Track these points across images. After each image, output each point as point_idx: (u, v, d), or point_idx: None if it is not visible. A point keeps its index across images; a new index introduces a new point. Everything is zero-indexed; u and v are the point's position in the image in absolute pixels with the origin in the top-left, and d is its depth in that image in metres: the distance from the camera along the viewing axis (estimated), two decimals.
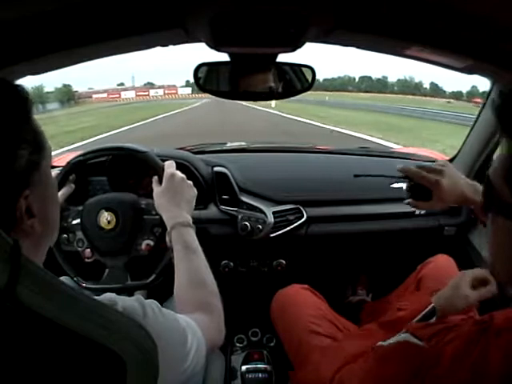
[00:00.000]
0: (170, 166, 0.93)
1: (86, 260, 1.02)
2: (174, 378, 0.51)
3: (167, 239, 0.84)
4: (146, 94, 45.31)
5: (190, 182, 0.93)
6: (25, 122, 0.44)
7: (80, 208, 1.04)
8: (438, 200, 0.83)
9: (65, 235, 1.03)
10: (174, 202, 0.87)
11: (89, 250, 1.02)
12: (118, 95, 42.25)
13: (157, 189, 0.91)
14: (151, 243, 1.01)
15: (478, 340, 0.47)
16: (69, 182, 1.04)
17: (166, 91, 46.55)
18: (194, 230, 0.84)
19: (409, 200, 0.88)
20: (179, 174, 0.92)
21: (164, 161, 1.01)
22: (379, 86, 76.30)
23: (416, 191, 0.87)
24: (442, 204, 0.85)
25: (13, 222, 0.42)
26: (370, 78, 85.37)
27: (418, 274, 1.13)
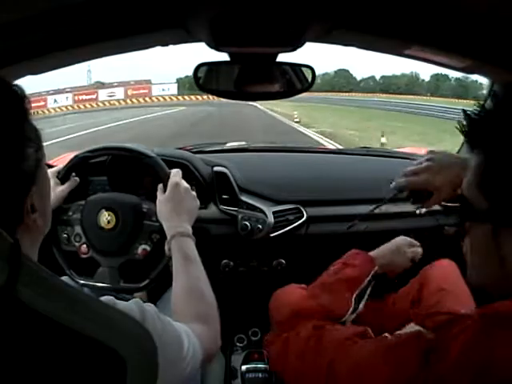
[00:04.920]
0: (175, 175, 0.94)
1: (82, 256, 1.02)
2: (170, 381, 0.51)
3: (166, 248, 0.85)
4: (94, 97, 25.66)
5: (194, 194, 0.95)
6: (26, 121, 0.45)
7: (82, 203, 1.04)
8: (438, 194, 0.83)
9: (64, 234, 1.04)
10: (175, 212, 0.88)
11: (85, 245, 1.02)
12: (42, 103, 22.10)
13: (160, 196, 0.93)
14: (148, 248, 1.01)
15: (483, 337, 0.46)
16: (72, 177, 1.06)
17: (132, 92, 27.23)
18: (194, 242, 0.85)
19: (415, 206, 0.94)
20: (184, 183, 0.93)
21: (165, 161, 1.02)
22: (459, 88, 55.13)
23: (415, 195, 0.88)
24: (444, 194, 0.84)
25: (20, 218, 0.44)
26: (446, 76, 61.38)
27: (420, 278, 1.14)
